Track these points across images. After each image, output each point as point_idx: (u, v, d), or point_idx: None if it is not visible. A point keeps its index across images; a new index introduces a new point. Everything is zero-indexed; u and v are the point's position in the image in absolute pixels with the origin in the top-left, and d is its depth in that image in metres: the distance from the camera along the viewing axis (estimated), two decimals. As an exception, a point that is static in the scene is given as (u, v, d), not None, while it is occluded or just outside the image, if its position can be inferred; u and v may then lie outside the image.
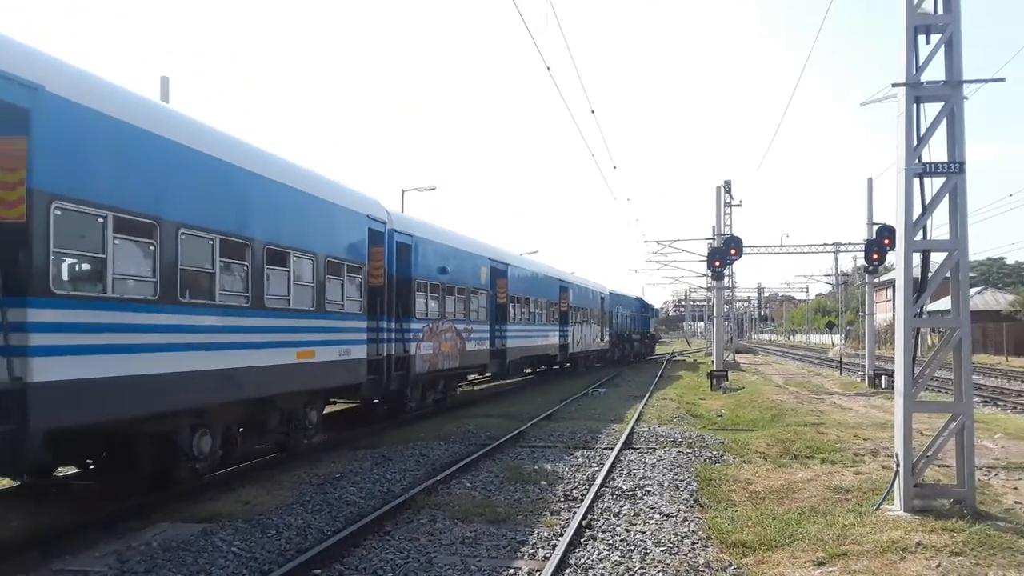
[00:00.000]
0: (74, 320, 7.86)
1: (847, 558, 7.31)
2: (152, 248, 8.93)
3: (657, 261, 52.87)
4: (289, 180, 12.33)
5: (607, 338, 44.69)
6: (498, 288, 24.59)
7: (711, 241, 36.93)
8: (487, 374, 26.41)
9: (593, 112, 22.76)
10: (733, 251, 28.44)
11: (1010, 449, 13.94)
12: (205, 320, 9.92)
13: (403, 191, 37.86)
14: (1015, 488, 10.54)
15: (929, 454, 9.22)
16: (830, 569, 7.09)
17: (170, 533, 8.40)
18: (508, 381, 29.82)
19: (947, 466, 10.65)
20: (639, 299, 62.03)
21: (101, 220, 8.18)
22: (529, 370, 32.70)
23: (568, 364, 36.25)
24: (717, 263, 28.91)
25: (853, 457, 12.95)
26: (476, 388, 28.98)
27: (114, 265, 8.35)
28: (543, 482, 11.30)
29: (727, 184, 35.05)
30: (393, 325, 16.40)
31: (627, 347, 52.44)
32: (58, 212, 7.61)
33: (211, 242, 10.03)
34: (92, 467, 10.11)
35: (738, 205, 36.60)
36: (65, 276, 8.10)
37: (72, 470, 10.63)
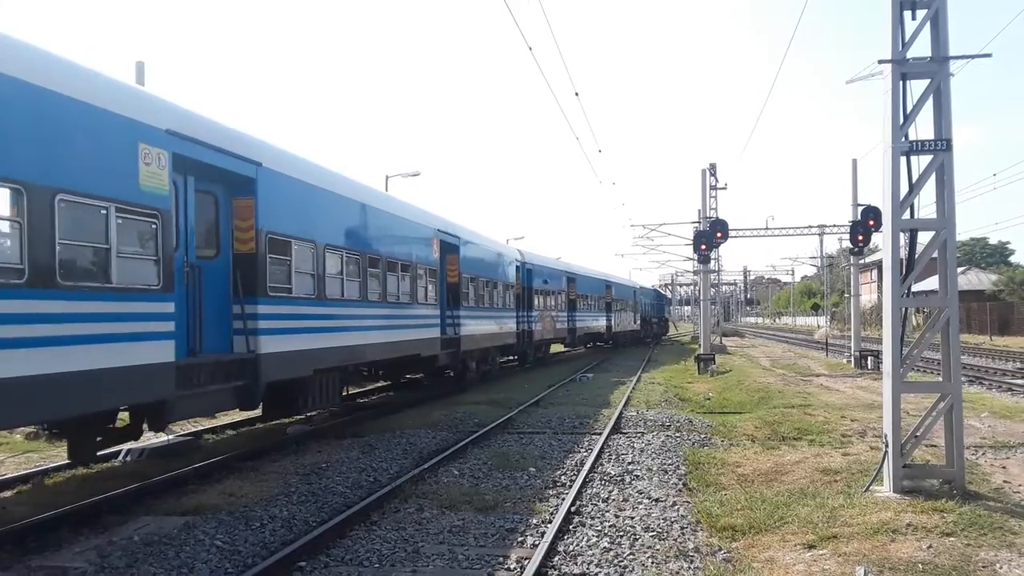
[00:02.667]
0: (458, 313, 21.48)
1: (837, 540, 7.26)
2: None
3: (643, 245, 52.89)
4: (496, 247, 26.77)
5: (638, 322, 58.84)
6: (570, 290, 37.66)
7: (697, 225, 36.82)
8: (565, 345, 40.83)
9: (577, 95, 22.47)
10: (719, 234, 28.34)
11: (996, 428, 13.97)
12: (485, 313, 23.81)
13: (387, 177, 37.65)
14: (1003, 467, 10.54)
15: (918, 434, 9.19)
16: (820, 551, 7.03)
17: (152, 527, 8.26)
18: (575, 350, 44.84)
19: (935, 446, 10.64)
20: (656, 290, 77.67)
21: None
22: (581, 347, 45.95)
23: (611, 341, 49.71)
24: (703, 246, 28.85)
25: (841, 438, 12.93)
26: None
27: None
28: (531, 469, 11.22)
29: (712, 167, 34.99)
30: (524, 314, 29.36)
31: (649, 328, 65.76)
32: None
33: (472, 280, 22.50)
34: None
35: (723, 188, 36.66)
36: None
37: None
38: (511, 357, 31.12)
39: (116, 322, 8.38)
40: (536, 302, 30.96)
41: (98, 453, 10.35)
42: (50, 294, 7.44)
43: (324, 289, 13.20)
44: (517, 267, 28.80)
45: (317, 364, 12.92)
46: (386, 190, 32.85)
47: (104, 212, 8.18)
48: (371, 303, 15.30)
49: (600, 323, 45.11)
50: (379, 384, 22.04)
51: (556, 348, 41.13)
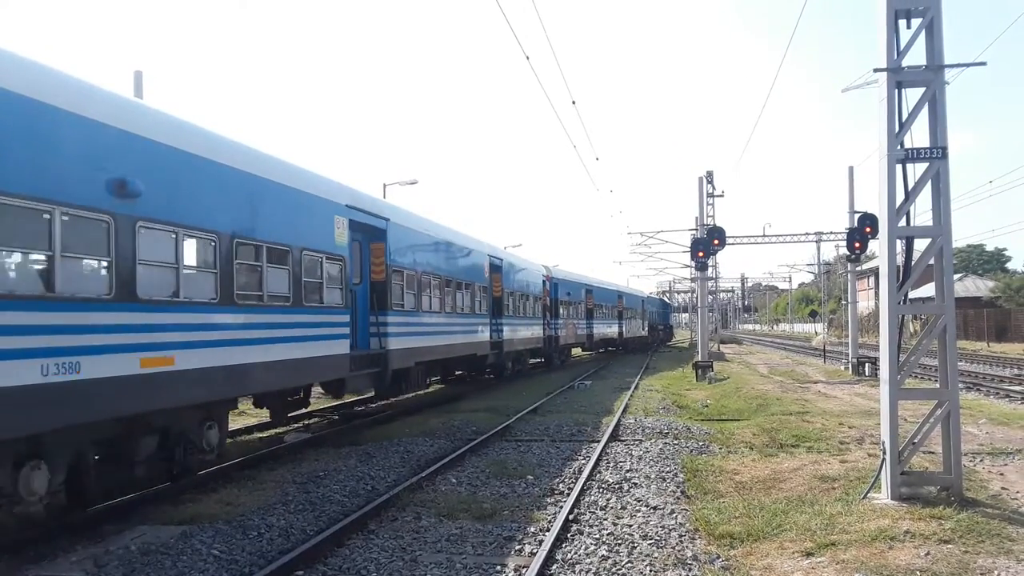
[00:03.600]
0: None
1: (835, 548, 7.26)
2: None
3: (641, 252, 52.71)
4: (528, 265, 31.38)
5: (646, 328, 64.27)
6: (588, 300, 42.34)
7: (694, 232, 36.87)
8: (583, 349, 47.00)
9: (574, 103, 22.56)
10: (716, 241, 28.34)
11: (994, 434, 13.98)
12: (520, 321, 28.64)
13: (384, 185, 37.66)
14: (1001, 474, 10.55)
15: (915, 441, 9.19)
16: (818, 559, 7.04)
17: (149, 536, 8.23)
18: (592, 353, 50.29)
19: (933, 453, 10.65)
20: (661, 299, 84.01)
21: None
22: (595, 352, 51.01)
23: (621, 346, 55.32)
24: (700, 253, 28.80)
25: (839, 445, 12.94)
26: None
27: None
28: (529, 477, 11.21)
29: (709, 175, 35.04)
30: (551, 322, 34.10)
31: (656, 334, 71.96)
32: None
33: (511, 293, 27.60)
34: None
35: (720, 196, 36.68)
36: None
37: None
38: (540, 359, 35.67)
39: (326, 327, 13.31)
40: (560, 311, 35.68)
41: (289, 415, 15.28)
42: (300, 310, 12.37)
43: (421, 304, 18.20)
44: (544, 281, 33.35)
45: (417, 358, 17.94)
46: (384, 198, 33.16)
47: (319, 259, 13.01)
48: (447, 313, 20.24)
49: (613, 329, 50.97)
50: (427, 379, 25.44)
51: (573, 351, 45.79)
